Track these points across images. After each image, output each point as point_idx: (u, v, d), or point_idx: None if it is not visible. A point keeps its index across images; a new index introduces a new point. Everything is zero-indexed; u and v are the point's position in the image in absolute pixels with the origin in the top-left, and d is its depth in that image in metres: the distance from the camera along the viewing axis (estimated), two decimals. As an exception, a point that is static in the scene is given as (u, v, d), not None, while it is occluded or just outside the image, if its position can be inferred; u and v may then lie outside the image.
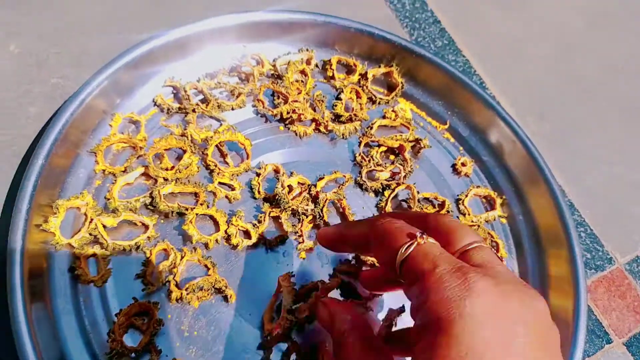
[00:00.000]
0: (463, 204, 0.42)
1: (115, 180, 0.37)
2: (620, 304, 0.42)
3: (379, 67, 0.46)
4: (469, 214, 0.42)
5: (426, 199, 0.42)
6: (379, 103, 0.45)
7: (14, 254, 0.31)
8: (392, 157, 0.43)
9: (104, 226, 0.35)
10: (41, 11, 0.44)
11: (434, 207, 0.41)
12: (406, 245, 0.24)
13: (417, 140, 0.43)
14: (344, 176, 0.41)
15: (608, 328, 0.41)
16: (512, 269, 0.41)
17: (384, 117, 0.45)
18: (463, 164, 0.44)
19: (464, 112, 0.46)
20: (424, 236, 0.24)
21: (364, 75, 0.46)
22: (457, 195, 0.43)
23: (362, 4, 0.52)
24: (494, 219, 0.42)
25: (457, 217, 0.42)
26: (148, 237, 0.36)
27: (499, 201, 0.43)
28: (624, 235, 0.45)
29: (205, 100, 0.42)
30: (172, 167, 0.38)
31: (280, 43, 0.46)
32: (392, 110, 0.45)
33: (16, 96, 0.40)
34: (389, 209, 0.40)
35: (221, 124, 0.41)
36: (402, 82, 0.46)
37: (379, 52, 0.46)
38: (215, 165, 0.39)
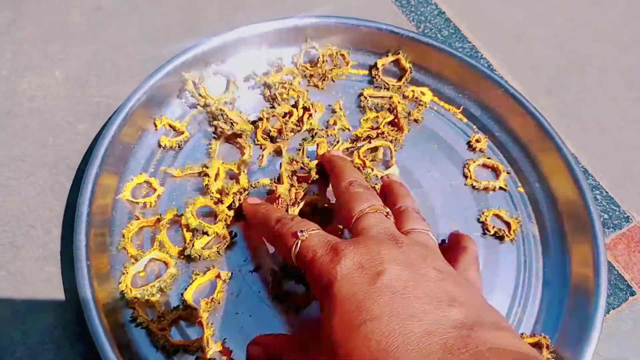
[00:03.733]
0: (468, 168, 0.45)
1: (127, 272, 0.37)
2: (641, 258, 0.44)
3: (387, 56, 0.50)
4: (470, 178, 0.45)
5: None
6: (393, 90, 0.49)
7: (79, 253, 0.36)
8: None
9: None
10: (79, 41, 0.49)
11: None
12: (294, 245, 0.30)
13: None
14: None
15: (630, 281, 0.43)
16: (532, 234, 0.44)
17: (404, 96, 0.49)
18: (477, 140, 0.47)
19: (475, 93, 0.49)
20: (305, 232, 0.31)
21: (374, 66, 0.49)
22: (467, 160, 0.46)
23: (370, 5, 0.56)
24: (494, 189, 0.45)
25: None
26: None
27: (503, 174, 0.45)
28: (639, 194, 0.47)
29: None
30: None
31: (298, 47, 0.49)
32: (412, 90, 0.48)
33: (65, 115, 0.45)
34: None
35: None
36: (410, 67, 0.49)
37: (388, 46, 0.50)
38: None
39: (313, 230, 0.31)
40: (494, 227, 0.43)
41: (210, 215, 0.40)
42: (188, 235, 0.38)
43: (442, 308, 0.24)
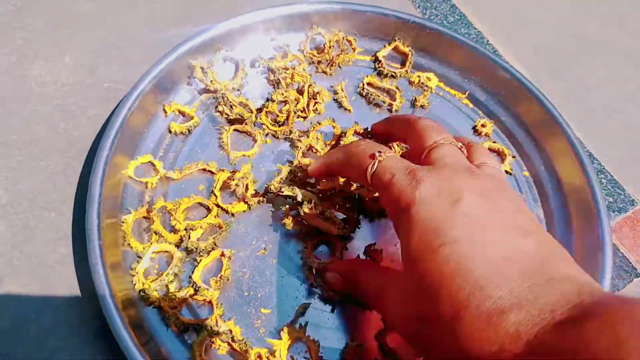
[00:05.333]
0: None
1: (136, 272, 0.37)
2: (646, 241, 0.45)
3: (384, 47, 0.50)
4: None
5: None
6: (400, 76, 0.49)
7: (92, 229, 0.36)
8: None
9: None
10: (87, 28, 0.50)
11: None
12: (371, 165, 0.31)
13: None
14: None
15: (636, 263, 0.43)
16: (537, 215, 0.44)
17: (409, 82, 0.49)
18: (483, 125, 0.47)
19: (480, 78, 0.49)
20: (382, 154, 0.31)
21: (376, 60, 0.50)
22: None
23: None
24: None
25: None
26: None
27: (509, 158, 0.46)
28: (644, 178, 0.48)
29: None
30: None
31: (305, 33, 0.50)
32: (417, 76, 0.49)
33: (76, 100, 0.45)
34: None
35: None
36: (410, 51, 0.50)
37: (394, 32, 0.50)
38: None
39: (389, 152, 0.31)
40: None
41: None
42: (180, 226, 0.39)
43: (517, 238, 0.26)
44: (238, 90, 0.46)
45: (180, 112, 0.45)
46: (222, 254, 0.38)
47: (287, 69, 0.47)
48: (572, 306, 0.21)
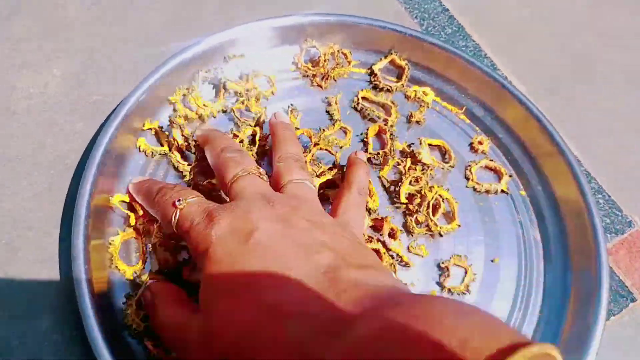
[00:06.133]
0: (470, 170, 0.45)
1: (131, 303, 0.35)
2: (643, 264, 0.44)
3: (380, 60, 0.49)
4: (472, 180, 0.45)
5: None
6: (396, 90, 0.48)
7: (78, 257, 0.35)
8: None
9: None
10: (76, 38, 0.48)
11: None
12: (173, 214, 0.31)
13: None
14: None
15: (632, 287, 0.43)
16: (534, 238, 0.43)
17: (405, 96, 0.48)
18: (480, 142, 0.46)
19: (477, 93, 0.48)
20: (182, 201, 0.31)
21: (372, 73, 0.49)
22: (469, 162, 0.46)
23: (373, 2, 0.55)
24: (496, 192, 0.44)
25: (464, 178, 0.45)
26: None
27: (505, 177, 0.45)
28: (642, 198, 0.47)
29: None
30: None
31: (298, 46, 0.49)
32: (414, 90, 0.48)
33: (64, 114, 0.44)
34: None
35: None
36: (406, 65, 0.49)
37: (390, 45, 0.49)
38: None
39: (191, 198, 0.32)
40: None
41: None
42: None
43: (311, 256, 0.27)
44: (224, 111, 0.45)
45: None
46: None
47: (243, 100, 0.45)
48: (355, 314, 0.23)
